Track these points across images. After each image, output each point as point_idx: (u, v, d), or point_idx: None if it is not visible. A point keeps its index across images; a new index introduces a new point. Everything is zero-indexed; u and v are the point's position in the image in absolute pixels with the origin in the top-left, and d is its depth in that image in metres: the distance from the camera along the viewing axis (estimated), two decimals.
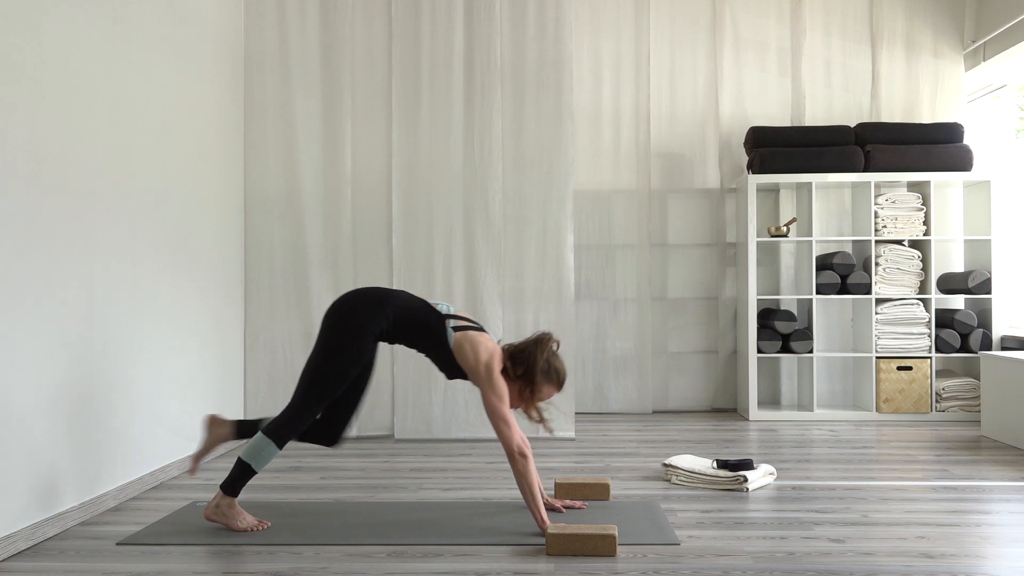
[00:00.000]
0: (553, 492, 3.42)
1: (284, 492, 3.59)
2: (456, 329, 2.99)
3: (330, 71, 4.89)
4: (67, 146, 3.07)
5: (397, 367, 4.84)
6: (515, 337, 4.86)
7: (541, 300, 4.88)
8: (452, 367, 3.04)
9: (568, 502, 3.23)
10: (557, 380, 3.05)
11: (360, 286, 4.28)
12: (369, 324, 2.96)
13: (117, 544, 2.82)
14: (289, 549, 2.76)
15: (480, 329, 3.06)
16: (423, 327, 3.02)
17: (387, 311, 2.99)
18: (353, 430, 4.85)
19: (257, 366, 4.82)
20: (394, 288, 3.16)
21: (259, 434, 2.96)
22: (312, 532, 2.96)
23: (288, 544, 2.81)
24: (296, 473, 3.96)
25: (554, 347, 3.05)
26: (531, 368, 2.99)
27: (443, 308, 3.06)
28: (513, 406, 3.03)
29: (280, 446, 2.96)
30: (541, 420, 3.07)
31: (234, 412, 4.68)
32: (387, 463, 4.20)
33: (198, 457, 3.21)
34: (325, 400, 2.98)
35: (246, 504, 3.24)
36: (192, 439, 4.11)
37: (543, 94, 4.87)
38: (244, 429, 3.17)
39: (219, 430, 3.18)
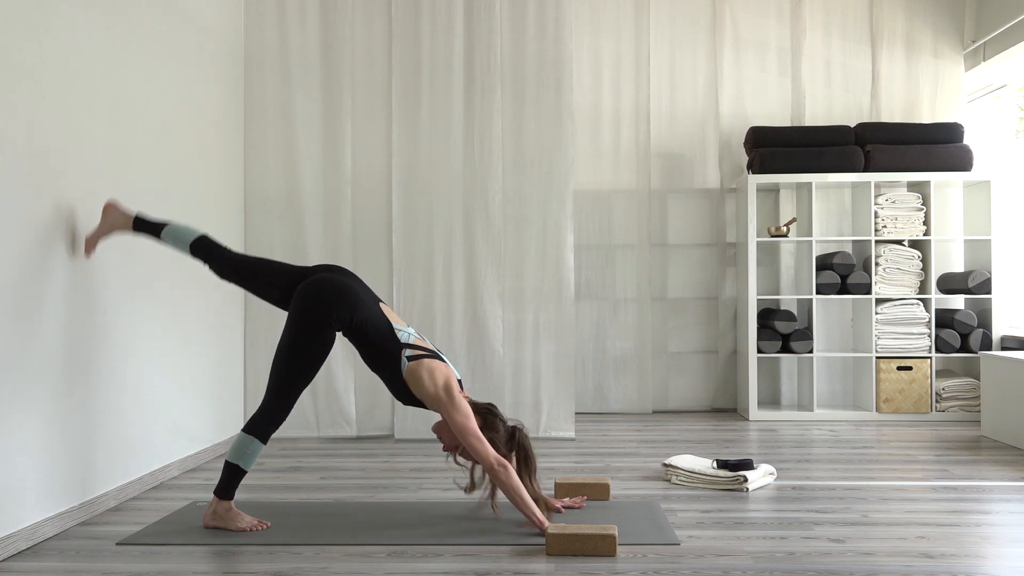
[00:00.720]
0: (553, 492, 3.42)
1: (284, 492, 3.59)
2: (411, 359, 2.98)
3: (330, 71, 4.88)
4: (67, 146, 3.07)
5: None
6: (515, 338, 4.87)
7: (541, 300, 4.88)
8: (405, 394, 3.03)
9: (567, 502, 3.23)
10: (516, 449, 3.01)
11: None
12: (336, 319, 2.97)
13: (117, 544, 2.82)
14: (289, 549, 2.76)
15: (435, 356, 3.05)
16: (380, 350, 3.01)
17: (354, 316, 2.97)
18: (353, 429, 4.86)
19: (257, 366, 4.81)
20: (370, 293, 3.11)
21: (240, 433, 2.99)
22: (312, 532, 2.96)
23: (288, 544, 2.81)
24: (296, 473, 3.96)
25: (525, 436, 3.05)
26: (493, 434, 2.97)
27: (403, 336, 3.02)
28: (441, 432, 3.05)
29: (263, 441, 2.98)
30: (455, 461, 3.09)
31: (235, 413, 4.68)
32: (387, 463, 4.20)
33: (92, 240, 3.15)
34: (298, 390, 3.00)
35: (246, 505, 3.23)
36: (193, 439, 4.11)
37: (543, 94, 4.86)
38: (140, 225, 3.18)
39: (117, 218, 3.16)
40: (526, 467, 3.00)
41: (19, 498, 2.77)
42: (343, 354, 4.82)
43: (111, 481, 3.35)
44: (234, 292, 4.72)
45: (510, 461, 2.95)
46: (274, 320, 4.81)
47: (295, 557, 2.68)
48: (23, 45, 2.81)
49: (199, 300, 4.22)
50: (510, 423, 3.06)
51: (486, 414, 3.01)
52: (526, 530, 2.91)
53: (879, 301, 5.51)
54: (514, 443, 3.01)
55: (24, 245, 2.80)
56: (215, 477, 3.77)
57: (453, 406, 2.92)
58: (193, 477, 3.88)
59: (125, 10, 3.51)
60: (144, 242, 3.64)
